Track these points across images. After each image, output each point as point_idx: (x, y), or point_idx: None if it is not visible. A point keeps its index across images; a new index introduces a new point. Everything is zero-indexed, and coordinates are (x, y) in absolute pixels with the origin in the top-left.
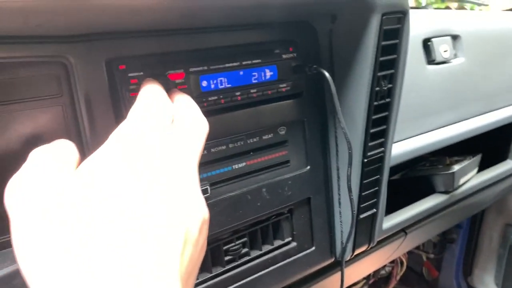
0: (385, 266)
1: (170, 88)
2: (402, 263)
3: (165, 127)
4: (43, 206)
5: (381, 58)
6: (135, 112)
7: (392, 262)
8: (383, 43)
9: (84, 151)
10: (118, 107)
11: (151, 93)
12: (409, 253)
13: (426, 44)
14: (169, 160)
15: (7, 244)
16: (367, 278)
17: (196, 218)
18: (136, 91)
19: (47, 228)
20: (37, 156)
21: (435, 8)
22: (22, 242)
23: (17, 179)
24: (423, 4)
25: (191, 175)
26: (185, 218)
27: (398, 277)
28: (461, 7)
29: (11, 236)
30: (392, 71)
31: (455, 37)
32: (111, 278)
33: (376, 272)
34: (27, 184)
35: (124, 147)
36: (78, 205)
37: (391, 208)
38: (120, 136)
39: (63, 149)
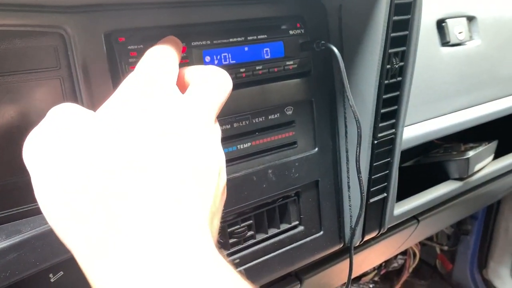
0: (397, 257)
1: None
2: (415, 255)
3: (175, 72)
4: (63, 155)
5: (392, 34)
6: (145, 60)
7: (405, 254)
8: (395, 18)
9: None
10: (117, 80)
11: (159, 49)
12: (422, 245)
13: (440, 25)
14: (183, 108)
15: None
16: (379, 268)
17: (212, 163)
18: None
19: (69, 179)
20: (53, 109)
21: None
22: (45, 199)
23: (34, 133)
24: None
25: (204, 122)
26: (201, 163)
27: (410, 269)
28: None
29: (35, 192)
30: (403, 48)
31: (470, 19)
32: (133, 221)
33: (387, 263)
34: (44, 137)
35: (137, 92)
36: (101, 147)
37: (404, 196)
38: (134, 82)
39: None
